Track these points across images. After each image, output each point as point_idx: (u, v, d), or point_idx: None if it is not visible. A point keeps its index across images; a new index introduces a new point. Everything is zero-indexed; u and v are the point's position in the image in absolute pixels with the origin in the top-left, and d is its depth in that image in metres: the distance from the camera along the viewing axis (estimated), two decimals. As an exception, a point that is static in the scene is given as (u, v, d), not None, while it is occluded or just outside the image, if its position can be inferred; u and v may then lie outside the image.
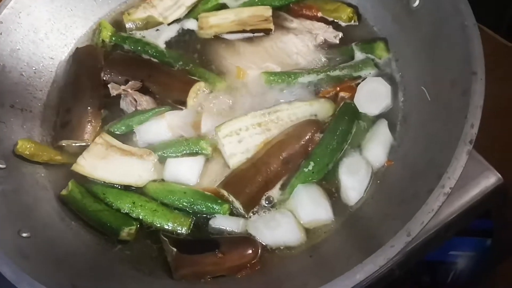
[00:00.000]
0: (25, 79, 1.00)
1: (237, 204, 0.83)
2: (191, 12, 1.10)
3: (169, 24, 1.08)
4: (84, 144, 0.94)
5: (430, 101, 0.82)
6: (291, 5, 1.06)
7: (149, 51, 1.04)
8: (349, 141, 0.87)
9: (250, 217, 0.83)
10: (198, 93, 0.95)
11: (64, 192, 0.89)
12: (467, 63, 0.74)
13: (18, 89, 0.99)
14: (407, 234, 0.63)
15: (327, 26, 1.01)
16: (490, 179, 0.92)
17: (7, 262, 0.69)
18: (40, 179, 0.91)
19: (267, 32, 1.03)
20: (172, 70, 1.01)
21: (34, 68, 1.02)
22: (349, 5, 1.03)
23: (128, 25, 1.09)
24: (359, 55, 0.96)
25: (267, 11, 1.04)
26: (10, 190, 0.85)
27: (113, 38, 1.08)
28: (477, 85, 0.71)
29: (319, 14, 1.04)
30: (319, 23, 1.02)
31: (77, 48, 1.07)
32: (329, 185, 0.84)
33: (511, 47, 1.21)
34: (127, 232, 0.83)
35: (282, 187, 0.85)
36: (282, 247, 0.80)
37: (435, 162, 0.71)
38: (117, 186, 0.89)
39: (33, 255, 0.74)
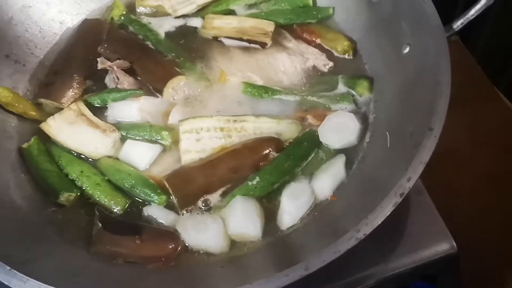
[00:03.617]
0: (28, 35, 1.04)
1: (173, 199, 0.82)
2: (199, 11, 1.11)
3: (175, 17, 1.10)
4: (60, 106, 0.96)
5: (388, 148, 0.79)
6: (294, 25, 1.05)
7: (149, 37, 1.06)
8: (302, 166, 0.84)
9: (183, 214, 0.81)
10: (176, 85, 0.96)
11: (25, 145, 0.91)
12: (428, 118, 0.70)
13: (18, 42, 1.03)
14: (304, 268, 0.60)
15: (321, 54, 0.99)
16: (443, 245, 0.87)
17: None
18: (9, 128, 0.94)
19: (262, 45, 1.02)
20: (162, 59, 1.02)
21: (40, 27, 1.06)
22: (350, 39, 1.01)
23: (139, 9, 1.12)
24: (341, 88, 0.94)
25: (269, 26, 1.04)
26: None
27: (122, 18, 1.10)
28: (429, 141, 0.68)
29: (318, 41, 1.02)
30: (314, 49, 1.00)
31: (86, 19, 1.10)
32: (269, 204, 0.81)
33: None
34: (66, 197, 0.84)
35: (223, 194, 0.83)
36: (202, 251, 0.77)
37: (365, 207, 0.67)
38: (73, 152, 0.90)
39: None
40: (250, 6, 1.11)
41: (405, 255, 0.87)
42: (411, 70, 0.84)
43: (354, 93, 0.92)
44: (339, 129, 0.86)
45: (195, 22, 1.09)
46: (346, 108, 0.91)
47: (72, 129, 0.91)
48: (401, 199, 0.64)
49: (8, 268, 0.64)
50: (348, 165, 0.83)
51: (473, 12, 0.87)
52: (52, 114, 0.94)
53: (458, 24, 0.88)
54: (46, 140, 0.92)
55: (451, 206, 0.92)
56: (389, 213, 0.63)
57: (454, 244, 0.87)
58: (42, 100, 0.97)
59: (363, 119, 0.89)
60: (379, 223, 0.62)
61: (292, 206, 0.79)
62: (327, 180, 0.81)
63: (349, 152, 0.85)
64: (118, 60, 0.98)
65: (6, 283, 0.63)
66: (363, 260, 0.84)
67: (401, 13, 0.90)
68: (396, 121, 0.82)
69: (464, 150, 1.08)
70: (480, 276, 0.96)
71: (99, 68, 0.99)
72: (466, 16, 0.88)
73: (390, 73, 0.90)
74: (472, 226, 0.97)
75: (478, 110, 1.13)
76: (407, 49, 0.86)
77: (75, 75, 0.99)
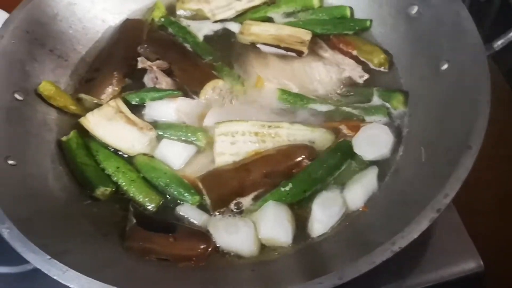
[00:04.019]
0: (72, 31, 1.07)
1: (207, 199, 0.83)
2: (238, 17, 1.12)
3: (214, 21, 1.12)
4: (99, 102, 0.98)
5: (422, 162, 0.79)
6: (331, 36, 1.06)
7: (188, 39, 1.08)
8: (334, 176, 0.85)
9: (215, 215, 0.83)
10: (214, 88, 0.97)
11: (64, 138, 0.93)
12: (467, 136, 0.70)
13: (62, 38, 1.05)
14: (338, 277, 0.60)
15: (357, 65, 1.00)
16: (470, 263, 0.87)
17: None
18: (49, 120, 0.96)
19: (299, 53, 1.03)
20: (200, 61, 1.03)
21: (83, 24, 1.09)
22: (386, 52, 1.01)
23: (179, 11, 1.14)
24: (376, 100, 0.94)
25: (306, 35, 1.04)
26: (19, 120, 0.90)
27: (162, 20, 1.12)
28: (467, 159, 0.68)
29: (354, 53, 1.02)
30: (350, 60, 1.01)
31: (127, 19, 1.13)
32: (300, 211, 0.82)
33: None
34: (102, 191, 0.86)
35: (255, 198, 0.84)
36: (232, 253, 0.78)
37: (401, 219, 0.67)
38: (110, 148, 0.92)
39: (8, 181, 0.78)
40: (288, 14, 1.12)
41: (430, 271, 0.86)
42: (449, 87, 0.83)
43: (389, 106, 0.92)
44: (373, 141, 0.86)
45: (233, 27, 1.11)
46: (380, 120, 0.91)
47: (110, 125, 0.93)
48: (437, 214, 0.64)
49: (48, 257, 0.65)
50: (380, 177, 0.83)
51: (515, 32, 0.87)
52: (91, 110, 0.96)
53: (498, 44, 0.88)
54: (84, 134, 0.94)
55: (476, 223, 0.91)
56: (425, 228, 0.63)
57: (481, 262, 0.86)
58: (82, 95, 1.00)
59: (397, 132, 0.88)
60: (415, 237, 0.62)
61: (324, 215, 0.79)
62: (359, 190, 0.81)
63: (381, 164, 0.85)
64: (158, 61, 1.00)
65: (46, 272, 0.65)
66: (385, 273, 0.84)
67: (440, 30, 0.90)
68: (431, 136, 0.81)
69: (490, 167, 1.07)
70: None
71: (139, 67, 1.01)
72: (507, 36, 0.87)
73: (426, 88, 0.90)
74: (498, 245, 0.95)
75: (505, 127, 1.12)
76: (445, 66, 0.86)
77: (115, 73, 1.01)
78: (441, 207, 0.64)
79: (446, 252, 0.88)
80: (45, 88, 0.96)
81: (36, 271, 0.86)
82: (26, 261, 0.86)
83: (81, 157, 0.90)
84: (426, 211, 0.64)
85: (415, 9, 0.96)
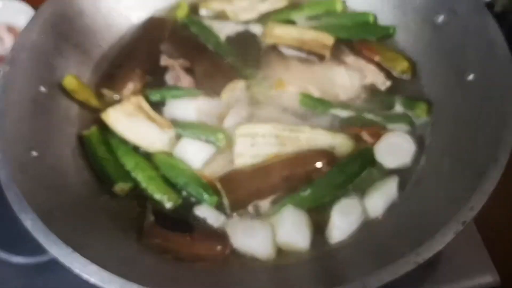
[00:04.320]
0: (97, 27, 1.06)
1: (225, 201, 0.82)
2: (261, 19, 1.11)
3: (237, 22, 1.11)
4: (121, 98, 0.98)
5: (445, 173, 0.77)
6: (354, 41, 1.05)
7: (210, 39, 1.07)
8: (353, 182, 0.83)
9: (232, 217, 0.82)
10: (234, 89, 0.96)
11: (86, 132, 0.93)
12: (493, 149, 0.69)
13: (87, 33, 1.05)
14: (362, 286, 0.59)
15: (379, 72, 0.98)
16: (486, 277, 0.85)
17: (5, 166, 0.73)
18: (71, 114, 0.95)
19: (321, 57, 1.01)
20: (221, 62, 1.02)
21: (108, 21, 1.08)
22: (410, 59, 0.99)
23: (202, 11, 1.13)
24: (398, 108, 0.92)
25: (329, 40, 1.03)
26: (42, 113, 0.90)
27: (185, 19, 1.12)
28: (495, 172, 0.66)
29: (377, 59, 1.01)
30: (373, 67, 0.99)
31: (151, 17, 1.13)
32: (318, 216, 0.80)
33: None
34: (121, 187, 0.85)
35: (273, 202, 0.83)
36: (249, 256, 0.77)
37: (423, 231, 0.66)
38: (130, 144, 0.92)
39: (31, 172, 0.78)
40: (311, 18, 1.11)
41: (444, 284, 0.85)
42: (475, 98, 0.82)
43: (411, 115, 0.91)
44: (395, 149, 0.85)
45: (256, 29, 1.09)
46: (402, 129, 0.89)
47: (130, 121, 0.93)
48: (462, 227, 0.62)
49: (71, 250, 0.65)
50: (401, 186, 0.82)
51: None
52: (110, 105, 0.96)
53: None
54: (105, 130, 0.93)
55: (494, 237, 0.89)
56: (450, 240, 0.61)
57: (498, 277, 0.84)
58: (104, 90, 0.99)
59: (419, 141, 0.87)
60: (440, 249, 0.61)
61: (343, 222, 0.78)
62: (379, 199, 0.80)
63: (402, 174, 0.84)
64: (180, 59, 1.00)
65: (68, 265, 0.64)
66: (399, 282, 0.82)
67: (467, 40, 0.88)
68: (455, 147, 0.80)
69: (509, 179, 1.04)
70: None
71: (162, 64, 1.00)
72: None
73: (451, 99, 0.88)
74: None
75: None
76: (471, 76, 0.85)
77: (136, 69, 1.00)
78: (466, 220, 0.63)
79: (462, 264, 0.86)
80: (69, 82, 0.95)
81: (50, 262, 0.87)
82: (40, 252, 0.88)
83: (101, 152, 0.90)
84: (451, 223, 0.62)
85: (441, 18, 0.95)
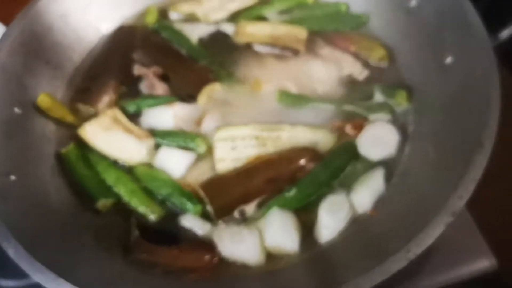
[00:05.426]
0: (67, 41, 1.01)
1: (209, 208, 0.78)
2: (232, 17, 1.06)
3: (208, 24, 1.05)
4: (96, 112, 0.93)
5: (431, 162, 0.73)
6: (328, 32, 1.00)
7: (182, 43, 1.01)
8: (339, 179, 0.79)
9: (218, 224, 0.77)
10: (211, 92, 0.91)
11: (63, 150, 0.88)
12: (478, 133, 0.65)
13: (57, 49, 0.99)
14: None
15: (356, 62, 0.94)
16: (483, 261, 0.81)
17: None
18: (48, 133, 0.90)
19: (295, 52, 0.97)
20: (195, 65, 0.97)
21: (78, 34, 1.03)
22: (386, 46, 0.95)
23: (172, 15, 1.08)
24: (378, 97, 0.88)
25: (302, 34, 0.98)
26: (18, 134, 0.85)
27: (155, 25, 1.06)
28: (480, 158, 0.62)
29: (352, 48, 0.96)
30: (349, 57, 0.95)
31: (121, 26, 1.07)
32: (306, 216, 0.76)
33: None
34: (103, 203, 0.81)
35: (259, 205, 0.78)
36: (238, 263, 0.73)
37: (413, 225, 0.62)
38: (109, 159, 0.87)
39: (11, 198, 0.73)
40: (282, 12, 1.06)
41: (440, 272, 0.81)
42: (455, 82, 0.78)
43: (392, 103, 0.86)
44: (378, 140, 0.81)
45: (228, 28, 1.04)
46: (384, 118, 0.85)
47: (107, 135, 0.88)
48: (453, 218, 0.58)
49: (55, 275, 0.61)
50: (387, 178, 0.78)
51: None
52: (87, 120, 0.91)
53: (503, 34, 0.82)
54: (83, 145, 0.88)
55: (487, 220, 0.85)
56: (440, 232, 0.57)
57: (495, 260, 0.81)
58: (79, 105, 0.94)
59: (402, 130, 0.83)
60: (430, 243, 0.57)
61: (331, 220, 0.74)
62: (366, 193, 0.76)
63: (388, 165, 0.79)
64: (154, 67, 0.94)
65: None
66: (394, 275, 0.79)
67: (442, 22, 0.83)
68: (439, 134, 0.76)
69: (499, 162, 1.01)
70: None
71: (135, 74, 0.95)
72: (512, 26, 0.81)
73: (431, 84, 0.84)
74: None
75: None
76: (449, 59, 0.80)
77: (110, 81, 0.95)
78: (455, 210, 0.59)
79: (457, 251, 0.82)
80: (43, 100, 0.90)
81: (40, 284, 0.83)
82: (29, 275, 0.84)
83: (80, 168, 0.85)
84: (441, 216, 0.58)
85: (413, 2, 0.90)
